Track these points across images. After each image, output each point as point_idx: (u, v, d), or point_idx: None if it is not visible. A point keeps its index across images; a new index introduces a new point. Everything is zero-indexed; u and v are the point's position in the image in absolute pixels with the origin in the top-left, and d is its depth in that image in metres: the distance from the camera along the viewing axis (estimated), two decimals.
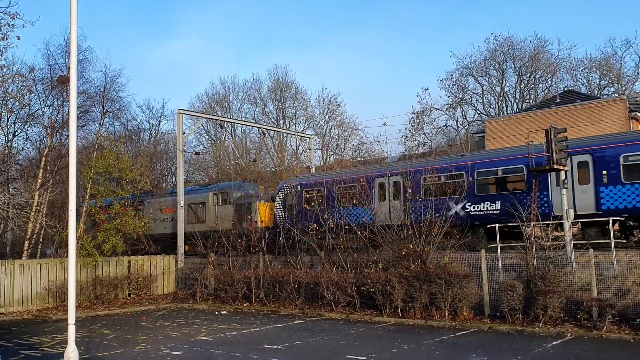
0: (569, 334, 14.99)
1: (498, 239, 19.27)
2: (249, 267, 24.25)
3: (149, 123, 65.79)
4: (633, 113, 34.67)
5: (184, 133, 32.64)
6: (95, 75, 66.75)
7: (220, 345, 14.89)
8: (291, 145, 60.33)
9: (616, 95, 50.74)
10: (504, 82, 59.04)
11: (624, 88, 55.51)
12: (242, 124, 50.77)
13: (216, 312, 22.18)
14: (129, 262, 27.30)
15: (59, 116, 27.33)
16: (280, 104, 64.59)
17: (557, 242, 17.40)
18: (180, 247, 29.35)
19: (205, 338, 16.15)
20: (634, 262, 16.56)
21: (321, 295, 20.68)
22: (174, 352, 14.08)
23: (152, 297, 26.73)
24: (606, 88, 56.68)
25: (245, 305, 22.95)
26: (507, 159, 22.08)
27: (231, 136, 61.73)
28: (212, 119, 44.66)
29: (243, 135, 62.92)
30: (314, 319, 19.55)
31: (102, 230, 25.91)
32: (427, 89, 71.33)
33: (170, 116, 63.98)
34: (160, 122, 66.08)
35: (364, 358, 12.79)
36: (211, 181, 48.70)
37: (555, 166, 17.83)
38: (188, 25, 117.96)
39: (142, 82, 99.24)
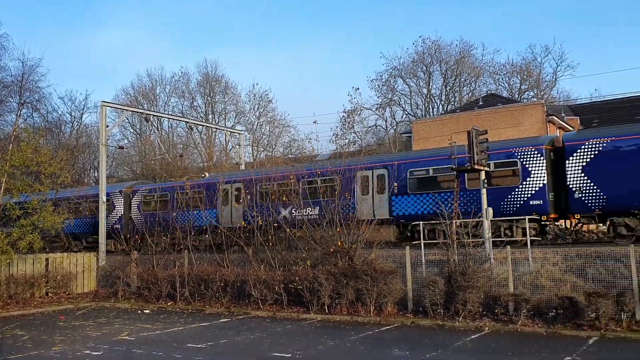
0: (487, 328, 15.58)
1: (422, 236, 19.79)
2: (174, 265, 23.76)
3: (70, 115, 63.27)
4: (550, 117, 36.49)
5: (108, 126, 31.53)
6: (12, 63, 63.58)
7: (142, 345, 14.50)
8: (220, 141, 59.62)
9: (535, 99, 53.22)
10: (431, 84, 60.67)
11: (542, 93, 58.36)
12: (168, 118, 49.54)
13: (139, 311, 21.59)
14: (47, 259, 26.10)
15: None
16: (209, 98, 63.61)
17: (477, 240, 18.09)
18: (102, 245, 28.42)
19: (126, 337, 15.68)
20: (548, 259, 17.43)
21: (248, 294, 20.52)
22: (93, 353, 13.59)
23: (72, 296, 25.69)
24: (526, 92, 59.39)
25: (169, 304, 22.46)
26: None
27: (157, 130, 60.19)
28: (137, 112, 43.45)
29: (170, 129, 61.54)
30: (240, 317, 19.39)
31: (18, 226, 24.65)
32: (358, 88, 72.49)
33: (94, 108, 61.81)
34: (82, 114, 63.68)
35: (290, 355, 12.80)
36: (136, 177, 47.49)
37: (476, 166, 18.47)
38: (115, 16, 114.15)
39: (64, 73, 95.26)
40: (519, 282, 17.11)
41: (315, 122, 76.39)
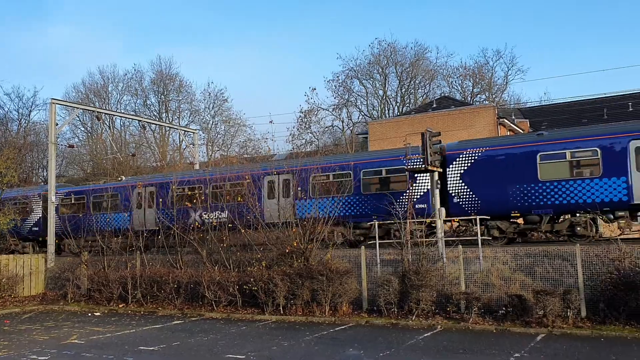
0: (439, 326, 15.84)
1: (377, 236, 19.97)
2: (126, 267, 23.27)
3: (18, 112, 61.37)
4: (501, 119, 37.41)
5: (57, 124, 30.68)
6: None
7: (92, 349, 14.15)
8: (174, 140, 58.88)
9: (487, 102, 54.48)
10: (387, 85, 61.34)
11: (494, 96, 59.79)
12: (121, 117, 48.56)
13: (89, 314, 21.06)
14: None
15: None
16: (163, 96, 62.69)
17: (430, 239, 18.40)
18: (51, 246, 27.59)
19: (76, 341, 15.28)
20: (498, 258, 17.85)
21: (202, 295, 20.25)
22: (40, 358, 13.18)
23: (18, 299, 24.85)
24: (478, 95, 60.75)
25: (121, 306, 21.99)
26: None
27: (109, 129, 58.94)
28: (88, 110, 42.42)
29: (122, 128, 60.40)
30: (193, 319, 19.13)
31: None
32: (315, 88, 72.50)
33: (43, 106, 60.15)
34: (31, 111, 61.88)
35: (243, 357, 12.71)
36: (86, 176, 46.44)
37: (429, 167, 18.77)
38: (65, 11, 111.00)
39: (10, 69, 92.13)
40: (470, 281, 17.46)
41: (271, 121, 76.44)
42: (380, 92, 61.42)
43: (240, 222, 21.74)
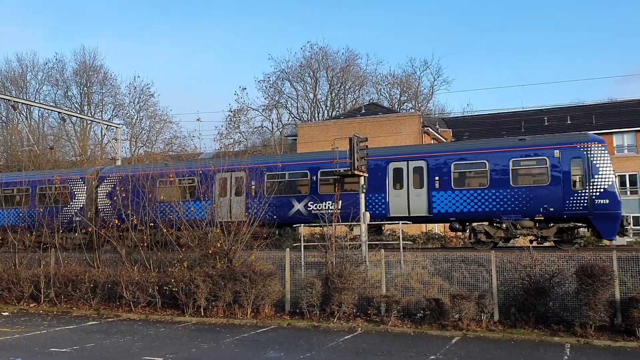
0: (360, 329, 16.09)
1: (302, 238, 20.06)
2: (39, 265, 22.20)
3: None
4: (425, 128, 38.53)
5: None
6: None
7: None
8: (96, 134, 56.91)
9: (413, 110, 55.97)
10: (317, 89, 61.82)
11: (419, 105, 61.53)
12: (39, 107, 46.39)
13: None
14: None
15: None
16: (85, 88, 60.43)
17: (354, 242, 18.67)
18: None
19: None
20: (419, 262, 18.35)
21: (120, 295, 19.61)
22: None
23: None
24: (405, 103, 62.35)
25: (32, 305, 20.94)
26: None
27: (26, 119, 56.13)
28: (3, 98, 40.20)
29: (40, 119, 57.76)
30: (110, 320, 18.50)
31: None
32: (245, 88, 72.03)
33: None
34: None
35: (161, 359, 12.43)
36: None
37: (356, 172, 19.06)
38: None
39: None
40: (391, 284, 17.83)
41: (199, 119, 75.45)
42: (311, 95, 61.87)
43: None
